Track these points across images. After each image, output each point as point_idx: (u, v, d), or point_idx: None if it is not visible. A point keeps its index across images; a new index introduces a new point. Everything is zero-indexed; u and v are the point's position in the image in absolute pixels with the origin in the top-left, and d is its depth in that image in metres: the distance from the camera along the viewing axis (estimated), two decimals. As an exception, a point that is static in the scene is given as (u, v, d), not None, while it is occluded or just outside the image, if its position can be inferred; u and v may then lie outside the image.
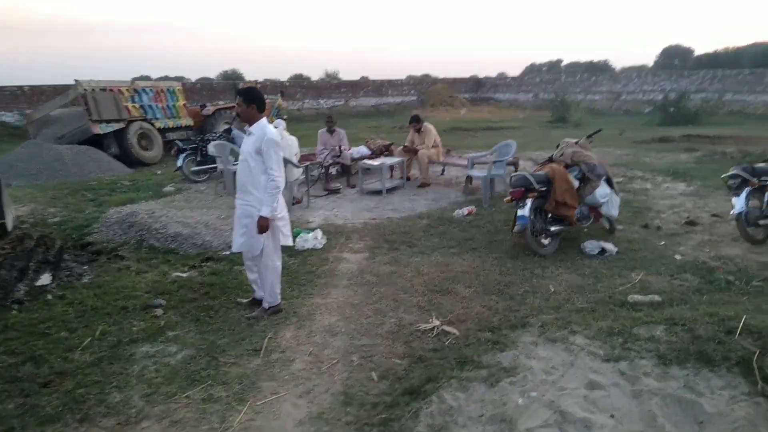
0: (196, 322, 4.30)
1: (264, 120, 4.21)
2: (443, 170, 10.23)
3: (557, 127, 20.51)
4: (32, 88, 21.46)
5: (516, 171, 8.62)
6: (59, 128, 13.35)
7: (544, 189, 5.65)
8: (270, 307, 4.38)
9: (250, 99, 4.15)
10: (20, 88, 21.46)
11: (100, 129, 12.66)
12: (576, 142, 6.23)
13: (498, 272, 5.19)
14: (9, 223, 6.93)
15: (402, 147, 9.72)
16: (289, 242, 4.48)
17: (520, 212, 5.51)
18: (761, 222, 5.72)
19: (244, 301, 4.64)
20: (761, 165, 6.08)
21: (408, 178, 9.54)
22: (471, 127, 20.32)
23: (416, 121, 9.38)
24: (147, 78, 31.45)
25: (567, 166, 6.04)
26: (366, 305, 4.54)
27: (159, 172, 12.16)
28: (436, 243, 6.21)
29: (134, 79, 19.24)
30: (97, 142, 12.86)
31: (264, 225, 4.10)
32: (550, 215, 5.74)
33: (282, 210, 4.33)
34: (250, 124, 4.19)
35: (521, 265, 5.35)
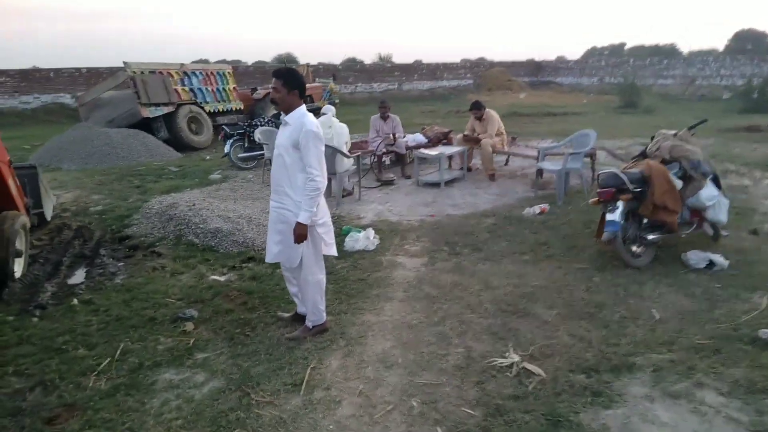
0: (229, 341, 3.70)
1: (303, 108, 3.51)
2: (507, 160, 9.33)
3: (626, 113, 19.05)
4: (89, 70, 21.68)
5: (593, 163, 7.67)
6: (110, 111, 13.19)
7: (638, 190, 4.75)
8: (314, 327, 3.74)
9: (291, 83, 3.44)
10: (78, 69, 21.73)
11: (149, 112, 12.39)
12: (675, 134, 5.26)
13: (584, 288, 4.36)
14: (48, 213, 6.61)
15: (462, 135, 8.88)
16: (333, 252, 3.79)
17: (609, 216, 4.64)
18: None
19: (286, 315, 4.02)
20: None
21: (469, 169, 8.71)
22: (531, 112, 19.13)
23: (477, 107, 8.52)
24: (205, 61, 31.57)
25: (664, 162, 5.10)
26: (426, 327, 3.82)
27: (207, 157, 11.79)
28: (504, 247, 5.41)
29: (192, 63, 19.13)
30: (146, 125, 12.61)
31: (302, 233, 3.43)
32: (645, 220, 4.84)
33: (324, 215, 3.65)
34: (287, 113, 3.50)
35: (611, 280, 4.50)
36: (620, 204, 4.65)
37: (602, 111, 19.71)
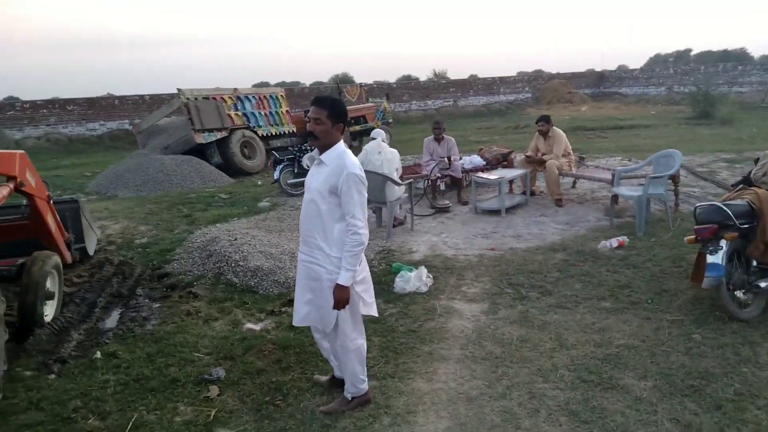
0: (256, 413, 3.18)
1: (342, 145, 2.94)
2: (574, 182, 8.51)
3: (701, 124, 17.65)
4: (152, 96, 22.28)
5: (676, 187, 6.78)
6: (166, 138, 13.26)
7: (746, 226, 3.94)
8: (353, 399, 3.16)
9: (337, 114, 2.89)
10: (141, 96, 22.39)
11: (202, 138, 12.32)
12: (786, 155, 4.40)
13: (682, 350, 3.58)
14: (90, 248, 6.39)
15: (524, 156, 8.15)
16: (373, 312, 3.19)
17: (711, 258, 3.85)
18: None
19: (323, 379, 3.47)
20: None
21: (532, 193, 7.97)
22: (596, 126, 18.04)
23: (546, 120, 7.77)
24: (265, 84, 32.11)
25: (775, 190, 4.25)
26: (489, 400, 3.17)
27: (259, 182, 11.55)
28: (579, 290, 4.68)
29: (253, 86, 19.27)
30: (200, 151, 12.57)
31: (344, 297, 2.87)
32: (755, 263, 4.01)
33: (363, 269, 3.07)
34: (323, 149, 2.96)
35: (716, 339, 3.70)
36: (724, 244, 3.85)
37: (673, 123, 18.38)
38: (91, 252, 6.35)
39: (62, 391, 3.47)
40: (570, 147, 7.93)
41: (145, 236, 7.32)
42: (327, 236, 2.91)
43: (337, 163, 2.86)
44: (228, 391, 3.43)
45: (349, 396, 3.15)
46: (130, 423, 3.10)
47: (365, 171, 6.53)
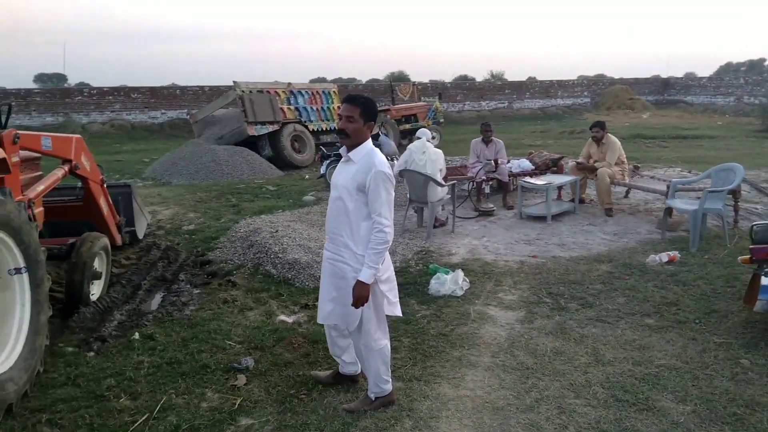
0: (280, 405, 3.19)
1: (370, 143, 2.94)
2: (627, 192, 8.19)
3: (772, 138, 16.67)
4: (211, 88, 22.95)
5: (736, 202, 6.41)
6: (220, 129, 13.60)
7: (808, 247, 3.67)
8: (377, 399, 3.13)
9: (369, 113, 2.89)
10: (201, 88, 23.10)
11: (255, 131, 12.58)
12: None
13: (728, 375, 3.37)
14: (140, 231, 6.62)
15: (574, 163, 7.90)
16: (397, 312, 3.16)
17: (766, 281, 3.60)
18: None
19: (322, 375, 3.44)
20: None
21: (581, 201, 7.72)
22: (657, 134, 17.33)
23: (600, 126, 7.51)
24: (322, 80, 32.50)
25: None
26: (516, 412, 3.07)
27: (306, 176, 11.70)
28: (621, 305, 4.48)
29: (309, 81, 19.55)
30: (252, 143, 12.84)
31: (362, 295, 2.85)
32: (816, 288, 3.73)
33: (387, 269, 3.04)
34: (351, 147, 2.94)
35: (765, 364, 3.46)
36: (782, 266, 3.60)
37: (741, 135, 17.45)
38: (140, 236, 6.58)
39: (99, 369, 3.60)
40: (624, 155, 7.63)
41: (192, 223, 7.53)
42: (354, 234, 2.90)
43: (366, 161, 2.85)
44: (255, 381, 3.47)
45: (372, 396, 3.13)
46: (159, 405, 3.18)
47: (407, 170, 6.54)
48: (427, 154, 6.44)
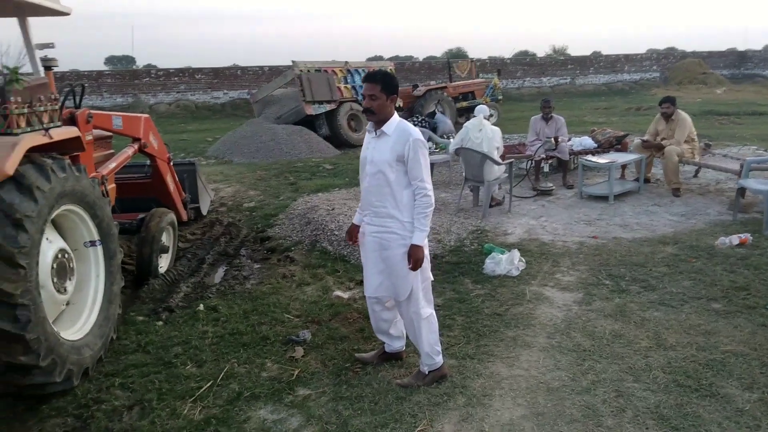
0: (335, 377, 3.29)
1: (397, 116, 3.04)
2: (697, 172, 7.79)
3: None
4: (271, 68, 23.31)
5: (818, 182, 5.97)
6: (279, 108, 13.84)
7: None
8: (430, 372, 3.17)
9: (389, 87, 2.97)
10: (261, 68, 23.51)
11: (313, 110, 12.73)
12: None
13: (802, 364, 3.20)
14: (204, 208, 6.89)
15: (641, 140, 7.57)
16: (430, 277, 3.29)
17: None
18: None
19: (367, 356, 3.45)
20: None
21: (647, 180, 7.40)
22: (731, 111, 16.30)
23: (671, 102, 7.15)
24: (380, 58, 32.44)
25: None
26: (571, 394, 3.03)
27: (363, 155, 11.76)
28: (687, 289, 4.31)
29: (367, 60, 19.59)
30: (310, 122, 13.01)
31: (420, 257, 2.98)
32: None
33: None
34: (380, 124, 3.01)
35: None
36: None
37: (826, 110, 16.15)
38: (204, 212, 6.85)
39: (167, 338, 3.81)
40: (695, 133, 7.25)
41: (253, 200, 7.76)
42: (398, 203, 3.01)
43: (400, 132, 2.97)
44: (312, 353, 3.58)
45: (426, 369, 3.17)
46: (222, 373, 3.34)
47: (463, 148, 6.46)
48: (483, 131, 6.34)
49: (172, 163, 5.99)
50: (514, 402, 2.98)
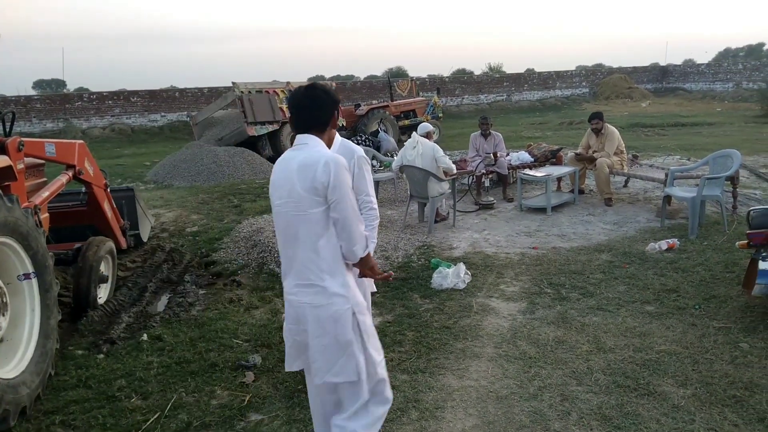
0: (288, 400, 3.26)
1: (338, 135, 2.98)
2: (626, 182, 8.23)
3: (770, 123, 16.67)
4: (210, 89, 22.97)
5: (734, 188, 6.45)
6: (220, 130, 13.66)
7: (804, 231, 3.72)
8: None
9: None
10: (200, 89, 23.13)
11: (255, 131, 12.64)
12: None
13: (727, 359, 3.43)
14: (144, 235, 6.69)
15: (574, 153, 7.95)
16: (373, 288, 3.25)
17: (763, 265, 3.66)
18: None
19: None
20: None
21: (581, 192, 7.77)
22: (656, 123, 17.33)
23: (598, 117, 7.54)
24: (321, 78, 32.50)
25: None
26: (519, 401, 3.13)
27: (307, 175, 11.73)
28: (622, 293, 4.54)
29: (308, 80, 19.62)
30: (252, 143, 12.90)
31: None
32: (813, 271, 3.78)
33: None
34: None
35: (764, 348, 3.52)
36: (779, 250, 3.65)
37: (739, 121, 17.44)
38: (144, 238, 6.65)
39: (109, 371, 3.67)
40: (623, 145, 7.67)
41: (196, 225, 7.60)
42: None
43: (345, 151, 2.94)
44: (263, 377, 3.54)
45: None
46: (170, 403, 3.25)
47: (406, 166, 6.58)
48: (417, 149, 6.50)
49: (108, 190, 5.80)
50: (465, 413, 3.05)
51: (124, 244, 5.92)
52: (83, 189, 5.49)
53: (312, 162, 2.28)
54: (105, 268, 5.02)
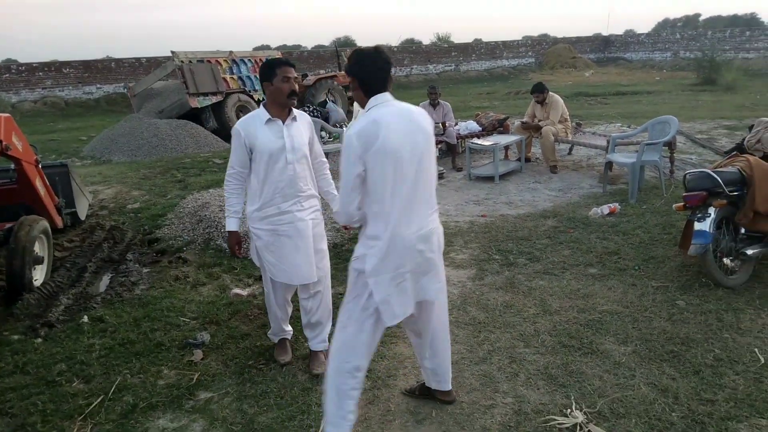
0: (238, 376, 3.20)
1: None
2: (571, 149, 8.43)
3: (705, 91, 17.42)
4: (149, 59, 21.96)
5: (672, 153, 6.71)
6: (160, 102, 13.10)
7: (735, 193, 3.89)
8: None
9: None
10: (138, 59, 22.07)
11: (197, 102, 12.18)
12: (780, 122, 4.33)
13: (665, 316, 3.59)
14: (82, 213, 6.38)
15: (520, 122, 8.05)
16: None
17: (698, 226, 3.82)
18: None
19: (283, 361, 3.35)
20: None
21: (527, 160, 7.90)
22: (598, 92, 17.80)
23: (539, 90, 7.65)
24: (267, 48, 31.54)
25: (766, 158, 4.20)
26: (469, 365, 3.19)
27: (254, 147, 11.45)
28: (566, 257, 4.67)
29: (254, 49, 18.92)
30: (196, 116, 12.44)
31: None
32: (743, 230, 3.98)
33: None
34: (290, 111, 3.10)
35: (699, 305, 3.70)
36: (712, 211, 3.82)
37: (677, 89, 18.13)
38: (82, 217, 6.34)
39: (48, 355, 3.50)
40: (567, 113, 7.82)
41: (137, 201, 7.30)
42: (313, 184, 3.19)
43: (301, 115, 3.15)
44: (212, 355, 3.46)
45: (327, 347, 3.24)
46: (114, 386, 3.13)
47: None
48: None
49: (40, 166, 5.47)
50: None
51: (59, 223, 5.64)
52: (12, 166, 5.16)
53: (417, 112, 2.40)
54: (40, 248, 4.76)
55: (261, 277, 4.62)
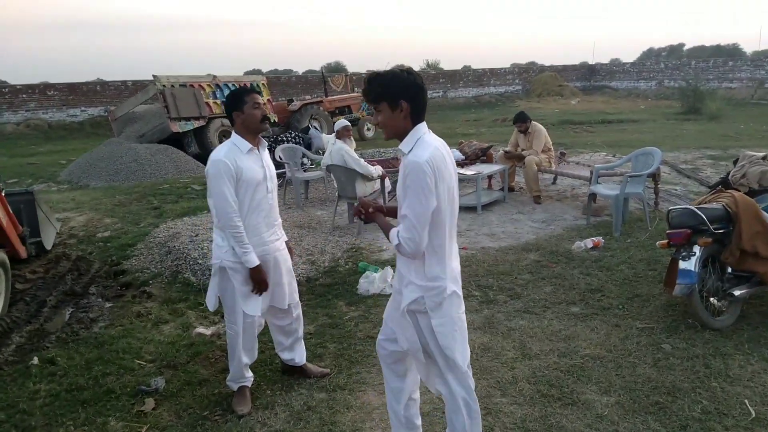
0: (191, 429, 2.95)
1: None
2: (555, 179, 8.31)
3: (689, 120, 17.58)
4: (134, 83, 21.83)
5: (656, 185, 6.59)
6: (141, 126, 12.94)
7: (721, 231, 3.74)
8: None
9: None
10: (124, 82, 21.95)
11: (179, 127, 12.01)
12: (764, 157, 4.21)
13: (650, 362, 3.39)
14: (48, 242, 6.11)
15: (503, 151, 7.93)
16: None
17: (683, 265, 3.65)
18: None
19: (241, 412, 3.07)
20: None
21: (511, 189, 7.76)
22: (584, 120, 17.89)
23: (522, 120, 7.55)
24: (257, 72, 31.53)
25: (752, 194, 4.07)
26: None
27: (236, 173, 11.24)
28: (548, 294, 4.48)
29: (244, 74, 18.79)
30: (178, 140, 12.26)
31: None
32: (730, 270, 3.82)
33: None
34: (258, 139, 3.05)
35: (686, 349, 3.51)
36: (697, 249, 3.66)
37: (661, 118, 18.28)
38: (48, 246, 6.07)
39: (-12, 402, 3.23)
40: (550, 142, 7.72)
41: (108, 229, 7.05)
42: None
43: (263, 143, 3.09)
44: (165, 404, 3.20)
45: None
46: (53, 440, 2.87)
47: (332, 165, 6.36)
48: (329, 149, 6.42)
49: (3, 194, 5.23)
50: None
51: (23, 253, 5.38)
52: (-30, 194, 4.92)
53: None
54: (-6, 282, 4.50)
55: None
